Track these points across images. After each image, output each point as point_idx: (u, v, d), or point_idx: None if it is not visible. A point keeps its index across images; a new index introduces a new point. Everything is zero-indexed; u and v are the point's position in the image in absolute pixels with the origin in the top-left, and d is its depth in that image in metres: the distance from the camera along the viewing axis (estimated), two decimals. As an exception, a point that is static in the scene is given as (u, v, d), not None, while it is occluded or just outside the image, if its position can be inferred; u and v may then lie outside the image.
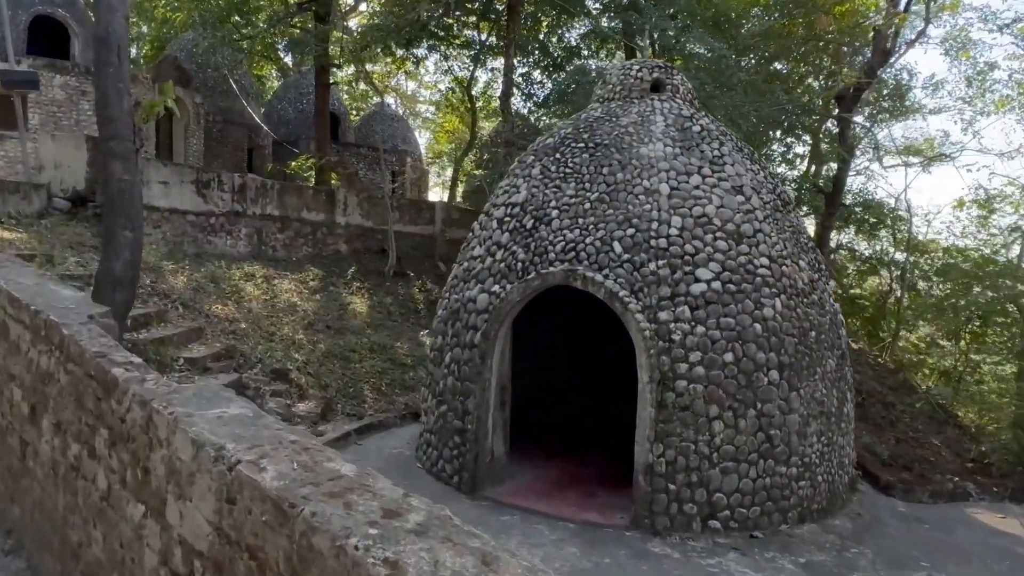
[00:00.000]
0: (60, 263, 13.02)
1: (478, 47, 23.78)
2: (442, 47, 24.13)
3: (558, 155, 8.96)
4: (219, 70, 25.09)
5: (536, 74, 23.70)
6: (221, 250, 19.59)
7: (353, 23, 28.21)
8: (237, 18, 23.35)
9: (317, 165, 24.97)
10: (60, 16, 21.49)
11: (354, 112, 40.27)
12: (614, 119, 9.09)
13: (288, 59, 38.84)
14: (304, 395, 13.38)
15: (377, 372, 15.75)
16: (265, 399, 12.16)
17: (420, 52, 24.36)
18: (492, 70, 27.31)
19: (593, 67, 23.06)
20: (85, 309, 5.37)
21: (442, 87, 43.36)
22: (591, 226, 8.14)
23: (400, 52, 23.21)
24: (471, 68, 25.07)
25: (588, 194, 8.37)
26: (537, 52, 23.29)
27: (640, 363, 7.46)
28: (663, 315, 7.59)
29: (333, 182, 26.90)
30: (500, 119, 30.81)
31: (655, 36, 21.52)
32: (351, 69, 28.28)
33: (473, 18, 23.16)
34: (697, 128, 8.92)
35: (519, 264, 8.33)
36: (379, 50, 21.11)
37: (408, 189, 32.56)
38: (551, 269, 7.98)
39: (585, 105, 18.69)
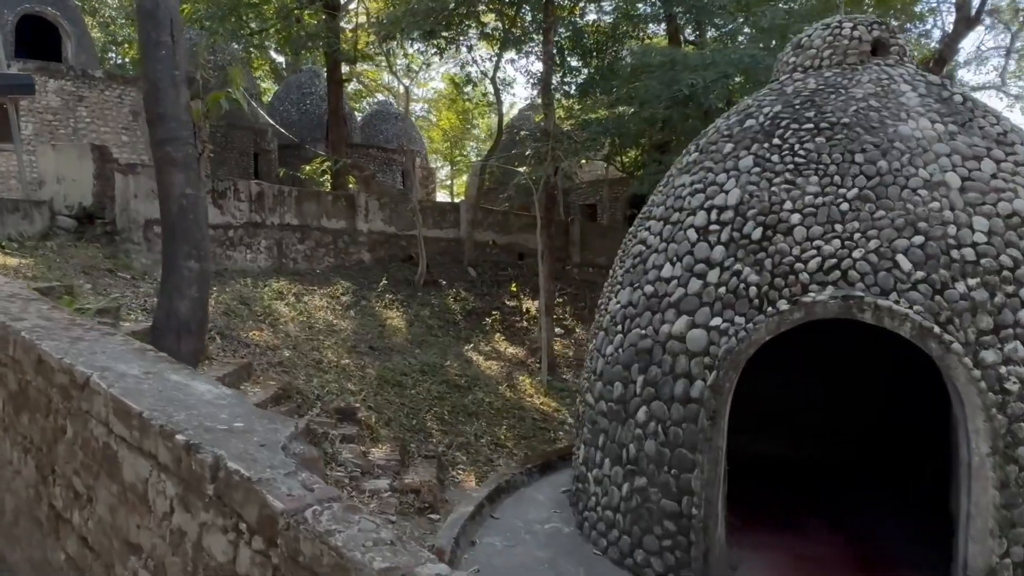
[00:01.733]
0: (79, 294, 10.52)
1: (502, 34, 21.36)
2: (462, 37, 21.73)
3: (776, 140, 6.48)
4: (223, 69, 22.46)
5: (571, 61, 21.30)
6: (241, 265, 17.20)
7: (346, 24, 25.87)
8: (235, 19, 20.87)
9: (334, 169, 22.43)
10: (50, 15, 18.55)
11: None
12: (842, 91, 6.62)
13: (280, 59, 36.14)
14: (375, 437, 11.34)
15: (434, 398, 13.82)
16: (336, 446, 10.04)
17: (440, 43, 21.86)
18: (511, 60, 24.89)
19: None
20: (257, 424, 2.91)
21: (440, 84, 41.06)
22: (856, 234, 5.71)
23: (425, 44, 20.79)
24: (495, 59, 22.68)
25: (841, 190, 5.93)
26: (568, 39, 20.91)
27: (974, 427, 5.08)
28: (988, 356, 5.22)
29: (350, 186, 24.43)
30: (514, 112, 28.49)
31: (702, 17, 19.37)
32: (363, 65, 25.70)
33: (497, 3, 20.76)
34: (958, 98, 6.54)
35: (751, 289, 5.90)
36: (410, 39, 18.62)
37: (418, 190, 30.15)
38: (815, 296, 5.57)
39: (633, 88, 16.68)
